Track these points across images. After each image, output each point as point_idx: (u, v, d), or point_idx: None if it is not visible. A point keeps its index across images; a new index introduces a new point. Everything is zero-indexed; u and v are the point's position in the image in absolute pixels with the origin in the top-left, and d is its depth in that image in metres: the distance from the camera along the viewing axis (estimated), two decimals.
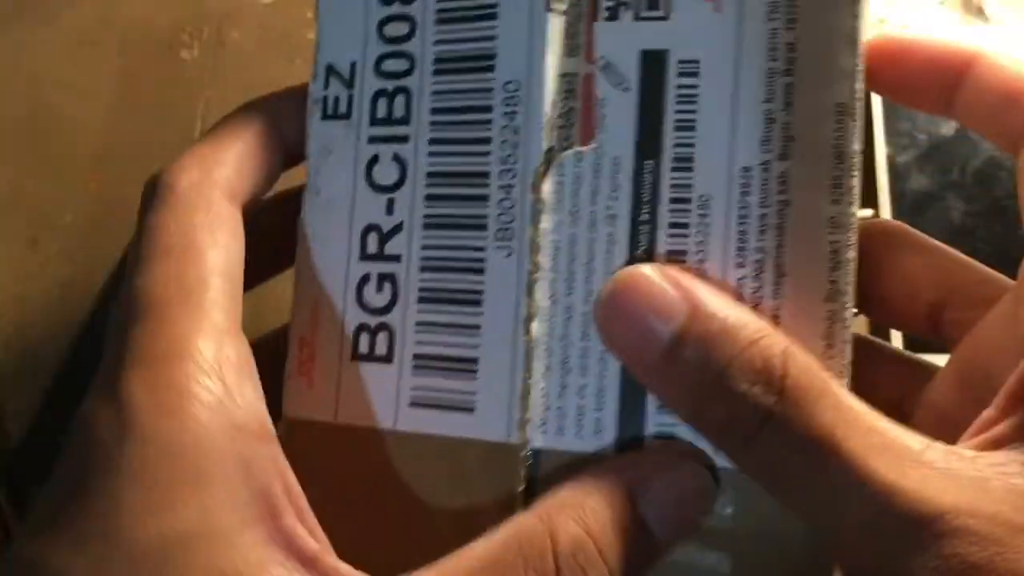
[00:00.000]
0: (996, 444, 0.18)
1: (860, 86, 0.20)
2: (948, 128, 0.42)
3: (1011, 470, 0.17)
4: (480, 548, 0.18)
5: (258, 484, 0.17)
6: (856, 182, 0.20)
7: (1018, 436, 0.18)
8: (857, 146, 0.20)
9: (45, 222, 0.33)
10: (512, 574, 0.17)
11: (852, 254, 0.20)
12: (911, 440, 0.18)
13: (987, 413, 0.19)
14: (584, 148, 0.21)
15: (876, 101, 0.42)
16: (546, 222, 0.21)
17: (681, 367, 0.18)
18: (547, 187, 0.21)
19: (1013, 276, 0.21)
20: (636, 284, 0.19)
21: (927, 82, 0.22)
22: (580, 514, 0.18)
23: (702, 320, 0.18)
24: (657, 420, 0.20)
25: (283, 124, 0.23)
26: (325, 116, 0.23)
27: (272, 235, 0.23)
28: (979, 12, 0.46)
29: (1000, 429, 0.18)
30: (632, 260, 0.20)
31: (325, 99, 0.23)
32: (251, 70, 0.34)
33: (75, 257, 0.32)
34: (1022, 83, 0.21)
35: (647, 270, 0.19)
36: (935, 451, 0.18)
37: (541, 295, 0.21)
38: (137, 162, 0.33)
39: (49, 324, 0.32)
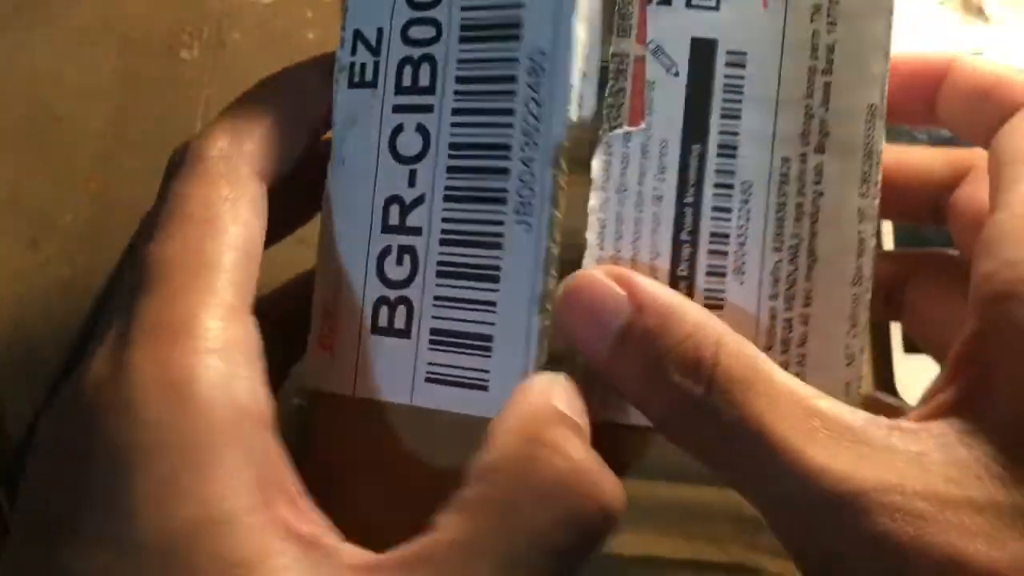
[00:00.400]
0: (938, 413, 0.18)
1: (887, 90, 0.21)
2: None
3: (948, 440, 0.17)
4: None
5: (257, 470, 0.17)
6: (880, 178, 0.21)
7: (958, 404, 0.18)
8: (882, 145, 0.21)
9: (45, 222, 0.33)
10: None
11: (874, 242, 0.21)
12: (852, 419, 0.18)
13: (934, 382, 0.19)
14: (633, 129, 0.21)
15: None
16: (593, 199, 0.21)
17: (625, 361, 0.19)
18: (595, 165, 0.21)
19: None
20: (585, 285, 0.20)
21: (909, 98, 0.23)
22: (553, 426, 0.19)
23: (644, 317, 0.19)
24: None
25: (311, 95, 0.22)
26: (352, 84, 0.22)
27: (285, 195, 0.23)
28: (979, 12, 0.46)
29: (943, 398, 0.18)
30: (677, 240, 0.21)
31: (352, 66, 0.22)
32: (251, 70, 0.34)
33: (75, 257, 0.32)
34: (991, 78, 0.22)
35: (596, 272, 0.20)
36: (876, 428, 0.18)
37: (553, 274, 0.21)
38: (137, 162, 0.33)
39: (49, 324, 0.32)
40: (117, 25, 0.34)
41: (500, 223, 0.21)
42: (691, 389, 0.18)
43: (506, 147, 0.21)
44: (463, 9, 0.21)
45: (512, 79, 0.21)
